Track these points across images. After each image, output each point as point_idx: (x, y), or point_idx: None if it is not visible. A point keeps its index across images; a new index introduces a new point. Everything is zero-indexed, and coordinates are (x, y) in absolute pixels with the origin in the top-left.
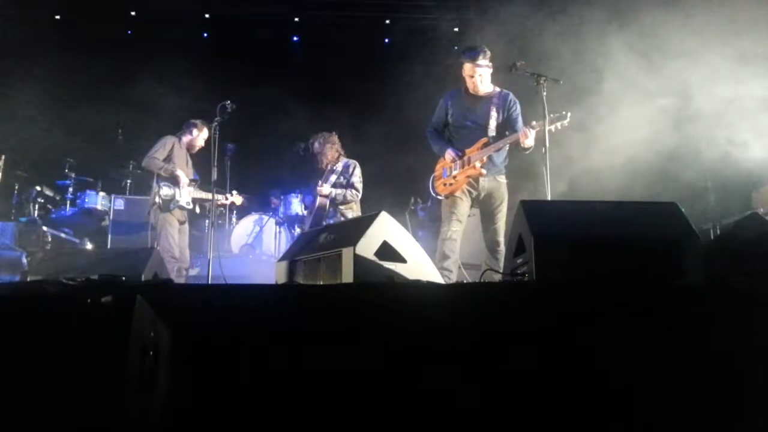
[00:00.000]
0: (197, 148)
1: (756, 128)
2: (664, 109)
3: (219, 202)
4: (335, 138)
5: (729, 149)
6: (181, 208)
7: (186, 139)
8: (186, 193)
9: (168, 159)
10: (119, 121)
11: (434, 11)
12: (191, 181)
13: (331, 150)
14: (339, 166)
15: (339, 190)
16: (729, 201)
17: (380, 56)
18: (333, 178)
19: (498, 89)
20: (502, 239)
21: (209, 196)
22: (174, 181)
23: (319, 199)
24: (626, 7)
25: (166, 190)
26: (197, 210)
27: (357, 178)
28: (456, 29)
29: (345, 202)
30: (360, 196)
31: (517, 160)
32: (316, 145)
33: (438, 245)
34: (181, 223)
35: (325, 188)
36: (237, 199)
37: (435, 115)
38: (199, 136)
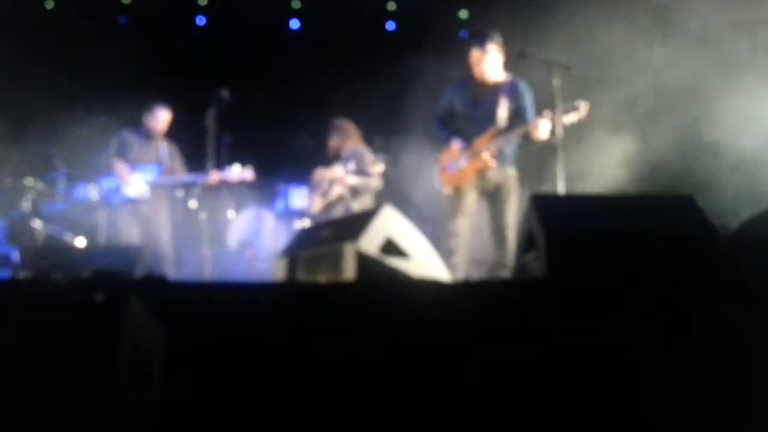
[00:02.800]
0: (158, 131)
1: None
2: (680, 101)
3: (233, 179)
4: (347, 125)
5: (746, 141)
6: (133, 200)
7: (145, 126)
8: (136, 184)
9: (118, 153)
10: (112, 111)
11: None
12: (153, 169)
13: (345, 135)
14: (347, 153)
15: (361, 180)
16: (747, 194)
17: (385, 42)
18: (339, 166)
19: (508, 77)
20: (510, 234)
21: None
22: (115, 174)
23: (337, 189)
24: None
25: (107, 185)
26: (193, 204)
27: (372, 166)
28: (464, 17)
29: (366, 191)
30: (378, 185)
31: (527, 152)
32: (332, 130)
33: (444, 240)
34: (142, 215)
35: (350, 178)
36: (247, 174)
37: (440, 105)
38: (151, 119)
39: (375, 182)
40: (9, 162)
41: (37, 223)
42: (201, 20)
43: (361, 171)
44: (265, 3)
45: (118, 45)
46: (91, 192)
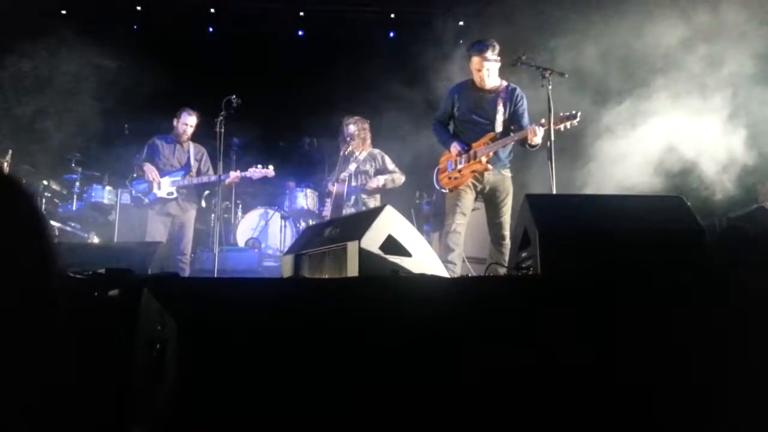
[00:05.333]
0: (185, 136)
1: (762, 121)
2: (670, 103)
3: (257, 176)
4: (365, 124)
5: (734, 142)
6: (163, 200)
7: (174, 131)
8: (165, 185)
9: (148, 158)
10: (125, 116)
11: (440, 5)
12: (180, 171)
13: (367, 136)
14: (363, 155)
15: (382, 178)
16: (734, 195)
17: (385, 50)
18: (353, 166)
19: (505, 83)
20: (507, 233)
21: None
22: (145, 176)
23: (336, 187)
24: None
25: (137, 187)
26: (203, 203)
27: (392, 165)
28: (461, 23)
29: (394, 186)
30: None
31: (522, 154)
32: (352, 127)
33: (442, 238)
34: (170, 215)
35: (379, 180)
36: (268, 171)
37: (440, 108)
38: (178, 123)
39: (399, 177)
40: (26, 163)
41: (53, 222)
42: (211, 30)
43: (382, 170)
44: (272, 13)
45: (130, 50)
46: (105, 193)
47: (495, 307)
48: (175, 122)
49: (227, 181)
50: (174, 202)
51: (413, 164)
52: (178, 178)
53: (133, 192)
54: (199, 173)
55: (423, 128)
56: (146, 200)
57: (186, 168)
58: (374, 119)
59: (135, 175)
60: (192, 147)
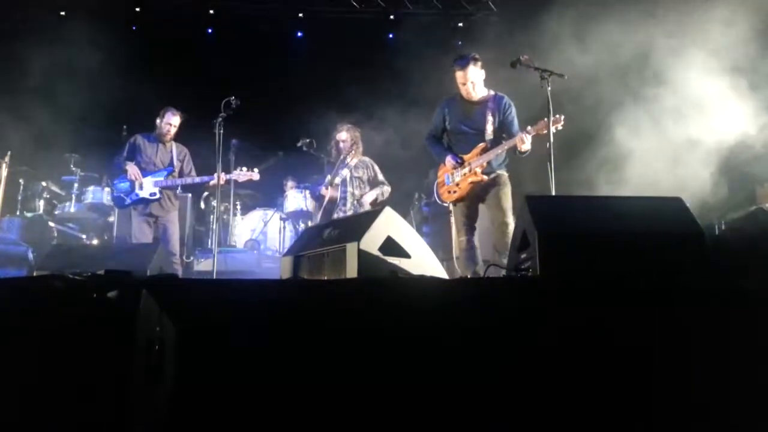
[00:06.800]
0: (168, 135)
1: (762, 122)
2: (668, 104)
3: (241, 179)
4: (356, 132)
5: (734, 144)
6: (145, 200)
7: (157, 130)
8: (148, 185)
9: (130, 157)
10: (124, 117)
11: (439, 7)
12: (163, 171)
13: (359, 143)
14: (354, 161)
15: (375, 193)
16: (733, 196)
17: (384, 52)
18: (344, 172)
19: (493, 93)
20: (510, 219)
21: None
22: (127, 176)
23: (330, 191)
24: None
25: (119, 186)
26: (202, 205)
27: (381, 176)
28: (460, 24)
29: (384, 199)
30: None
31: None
32: (344, 134)
33: (460, 256)
34: (153, 216)
35: (373, 194)
36: (253, 174)
37: (433, 123)
38: (162, 123)
39: (386, 191)
40: (25, 164)
41: (51, 224)
42: (210, 31)
43: (373, 180)
44: (272, 13)
45: (128, 51)
46: (104, 194)
47: (494, 309)
48: (158, 121)
49: (212, 182)
50: (156, 203)
51: (412, 166)
52: (161, 179)
53: (114, 192)
54: (181, 174)
55: (422, 129)
56: (128, 200)
57: (169, 168)
58: (373, 120)
59: (118, 174)
60: (174, 147)
